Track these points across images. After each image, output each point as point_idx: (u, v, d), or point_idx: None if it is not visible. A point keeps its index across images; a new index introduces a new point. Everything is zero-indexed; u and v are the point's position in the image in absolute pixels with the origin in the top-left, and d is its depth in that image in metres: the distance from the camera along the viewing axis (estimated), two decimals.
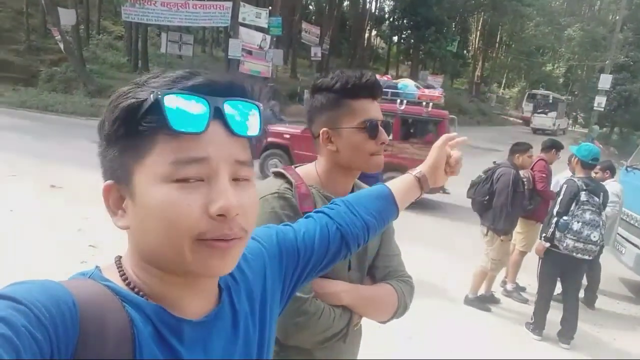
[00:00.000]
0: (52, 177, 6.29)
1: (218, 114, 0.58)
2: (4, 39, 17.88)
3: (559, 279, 4.03)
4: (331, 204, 0.98)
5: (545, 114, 29.33)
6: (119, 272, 0.62)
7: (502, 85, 49.92)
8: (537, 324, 3.96)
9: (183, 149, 0.56)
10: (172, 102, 0.55)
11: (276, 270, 0.81)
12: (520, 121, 33.35)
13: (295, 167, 1.31)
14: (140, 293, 0.60)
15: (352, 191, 1.27)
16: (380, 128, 1.20)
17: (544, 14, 38.55)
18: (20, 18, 19.34)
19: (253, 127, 0.61)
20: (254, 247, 0.79)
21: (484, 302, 4.48)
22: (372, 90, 1.22)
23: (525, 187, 4.43)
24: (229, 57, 17.83)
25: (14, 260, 3.86)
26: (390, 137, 2.68)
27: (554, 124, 29.05)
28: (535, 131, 28.15)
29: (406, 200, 1.06)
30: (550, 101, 30.45)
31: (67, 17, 15.96)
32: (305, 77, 24.67)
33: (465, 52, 39.76)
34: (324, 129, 1.23)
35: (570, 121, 34.29)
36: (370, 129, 1.20)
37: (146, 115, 0.55)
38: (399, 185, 1.06)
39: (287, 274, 0.83)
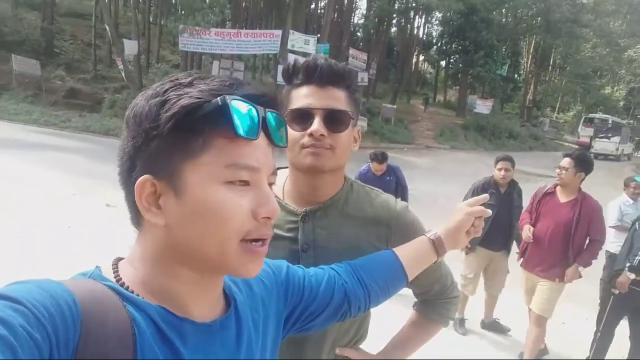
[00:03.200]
0: (109, 197, 6.65)
1: (263, 124, 0.62)
2: (73, 69, 19.41)
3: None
4: (339, 265, 0.98)
5: (608, 138, 27.89)
6: (114, 274, 0.61)
7: (556, 109, 48.00)
8: None
9: (239, 154, 0.59)
10: (239, 107, 0.58)
11: (282, 297, 0.82)
12: (577, 146, 31.81)
13: (278, 168, 1.21)
14: (139, 295, 0.60)
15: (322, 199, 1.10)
16: (316, 117, 1.00)
17: (602, 35, 37.05)
18: (89, 49, 20.98)
19: (285, 139, 0.67)
20: (264, 269, 0.81)
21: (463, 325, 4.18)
22: (311, 75, 1.03)
23: (515, 206, 4.01)
24: (277, 82, 18.38)
25: (70, 274, 4.07)
26: None
27: (617, 149, 27.69)
28: (597, 156, 26.57)
29: (418, 267, 1.02)
30: (610, 125, 28.92)
31: (130, 47, 17.14)
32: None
33: (516, 75, 38.75)
34: None
35: (634, 145, 32.32)
36: (293, 117, 1.02)
37: (208, 116, 0.57)
38: (411, 250, 1.02)
39: (290, 305, 0.85)
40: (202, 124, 0.57)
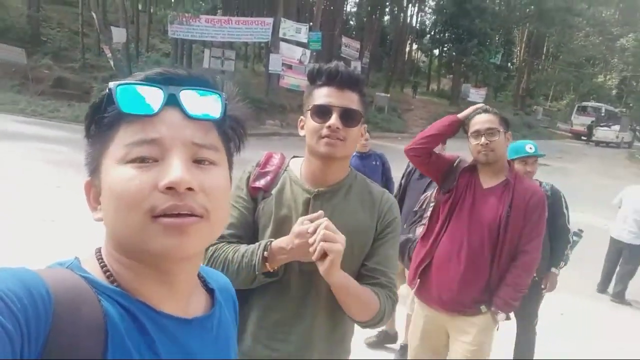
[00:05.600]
0: None
1: (174, 101, 0.61)
2: (61, 58, 19.01)
3: None
4: None
5: (609, 127, 29.02)
6: (100, 263, 0.62)
7: (550, 98, 48.10)
8: None
9: (137, 132, 0.59)
10: (125, 90, 0.58)
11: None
12: (570, 134, 31.99)
13: (294, 156, 1.46)
14: (119, 286, 0.60)
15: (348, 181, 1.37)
16: (334, 114, 1.24)
17: (595, 24, 37.04)
18: (76, 37, 20.54)
19: (213, 111, 0.63)
20: (226, 283, 0.83)
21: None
22: (332, 78, 1.27)
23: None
24: (269, 71, 18.17)
25: None
26: None
27: (617, 137, 28.80)
28: (598, 144, 28.41)
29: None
30: (603, 113, 29.80)
31: (119, 35, 16.81)
32: None
33: (509, 64, 38.71)
34: (301, 117, 1.37)
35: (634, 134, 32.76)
36: (315, 112, 1.27)
37: (107, 107, 0.59)
38: None
39: None
40: (107, 116, 0.60)
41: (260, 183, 1.35)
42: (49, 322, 0.50)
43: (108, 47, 16.26)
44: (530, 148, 3.02)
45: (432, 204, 2.48)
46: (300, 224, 1.14)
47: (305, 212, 1.30)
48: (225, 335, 0.72)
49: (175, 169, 0.57)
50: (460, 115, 2.30)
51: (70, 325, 0.52)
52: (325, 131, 1.25)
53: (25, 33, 19.16)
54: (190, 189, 0.57)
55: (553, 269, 3.14)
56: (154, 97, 0.59)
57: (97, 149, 0.61)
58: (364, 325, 1.31)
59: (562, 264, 3.19)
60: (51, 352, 0.50)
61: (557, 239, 3.14)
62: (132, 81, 0.60)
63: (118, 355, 0.55)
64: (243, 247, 1.26)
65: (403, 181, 3.49)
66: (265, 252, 1.21)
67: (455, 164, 2.35)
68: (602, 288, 5.55)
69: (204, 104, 0.63)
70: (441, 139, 2.35)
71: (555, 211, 3.11)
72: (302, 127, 1.35)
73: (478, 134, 2.18)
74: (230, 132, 0.69)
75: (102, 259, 0.63)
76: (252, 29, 17.31)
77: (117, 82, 0.59)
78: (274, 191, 1.34)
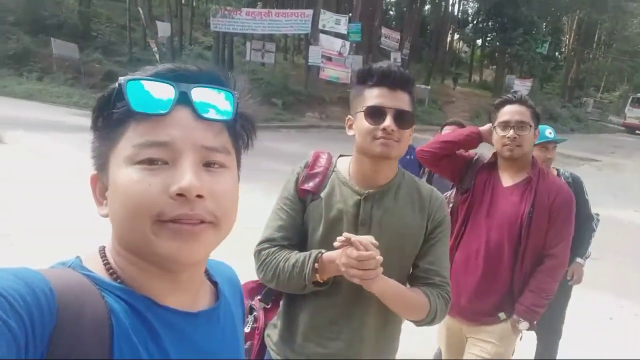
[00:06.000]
0: None
1: (185, 99, 0.59)
2: (110, 52, 19.84)
3: None
4: None
5: None
6: (103, 261, 0.62)
7: (601, 89, 45.67)
8: None
9: (148, 132, 0.57)
10: (135, 86, 0.57)
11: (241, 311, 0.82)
12: (623, 128, 30.29)
13: (341, 155, 1.45)
14: (123, 283, 0.60)
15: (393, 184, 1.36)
16: (388, 115, 1.24)
17: None
18: (124, 32, 21.38)
19: (224, 112, 0.61)
20: (231, 274, 0.83)
21: None
22: (384, 79, 1.26)
23: None
24: (309, 63, 18.25)
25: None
26: None
27: None
28: None
29: None
30: None
31: (163, 29, 17.35)
32: None
33: (557, 53, 37.00)
34: (349, 115, 1.36)
35: None
36: (369, 113, 1.26)
37: (116, 102, 0.58)
38: None
39: None
40: (116, 112, 0.58)
41: (309, 185, 1.34)
42: (53, 320, 0.50)
43: (154, 41, 16.83)
44: (550, 133, 2.85)
45: (451, 205, 2.24)
46: (352, 245, 1.12)
47: (356, 213, 1.32)
48: (231, 327, 0.72)
49: (186, 175, 0.55)
50: (482, 129, 2.15)
51: (75, 323, 0.52)
52: (380, 133, 1.24)
53: (77, 29, 20.09)
54: (199, 195, 0.56)
55: (579, 259, 2.93)
56: (164, 94, 0.58)
57: (105, 145, 0.60)
58: (418, 324, 1.33)
59: (589, 254, 2.99)
60: (56, 350, 0.50)
61: (581, 227, 2.87)
62: (143, 76, 0.58)
63: (124, 351, 0.55)
64: (294, 257, 1.27)
65: (425, 179, 3.22)
66: (316, 264, 1.22)
67: (473, 161, 2.20)
68: None
69: (215, 103, 0.61)
70: (457, 147, 2.19)
71: (579, 199, 2.75)
72: (351, 127, 1.34)
73: (506, 125, 2.00)
74: (241, 131, 0.67)
75: (105, 257, 0.62)
76: (291, 21, 17.40)
77: (127, 77, 0.57)
78: (323, 194, 1.34)
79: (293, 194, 1.36)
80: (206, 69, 0.63)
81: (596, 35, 40.04)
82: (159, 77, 0.59)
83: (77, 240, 4.41)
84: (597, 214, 3.04)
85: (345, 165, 1.39)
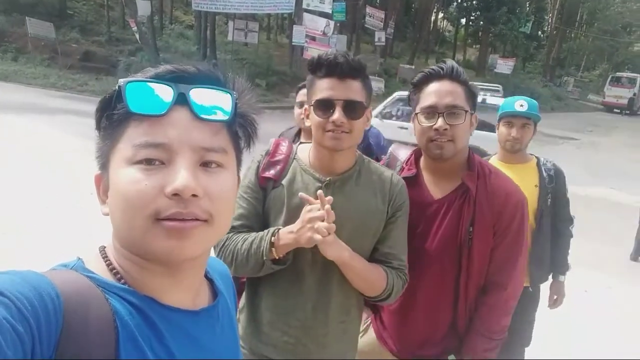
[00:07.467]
0: None
1: (183, 100, 0.60)
2: (87, 31, 19.23)
3: None
4: None
5: None
6: (105, 261, 0.63)
7: (581, 68, 46.17)
8: None
9: (146, 133, 0.58)
10: (134, 88, 0.59)
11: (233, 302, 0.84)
12: (602, 106, 30.80)
13: (301, 143, 1.46)
14: (126, 283, 0.61)
15: (352, 172, 1.35)
16: (337, 107, 1.23)
17: None
18: (102, 11, 20.72)
19: (222, 112, 0.63)
20: (225, 270, 0.85)
21: None
22: (332, 69, 1.24)
23: None
24: (292, 43, 18.01)
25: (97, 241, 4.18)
26: None
27: None
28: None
29: None
30: (638, 84, 28.18)
31: (143, 8, 16.84)
32: (369, 62, 24.29)
33: (540, 33, 37.16)
34: (306, 105, 1.34)
35: None
36: (318, 106, 1.26)
37: (117, 104, 0.60)
38: None
39: None
40: (116, 113, 0.60)
41: (270, 173, 1.34)
42: (60, 324, 0.51)
43: (133, 20, 16.35)
44: (522, 105, 2.18)
45: None
46: (308, 212, 1.18)
47: None
48: (229, 323, 0.75)
49: (181, 176, 0.57)
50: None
51: (81, 327, 0.52)
52: (330, 125, 1.24)
53: (53, 7, 19.37)
54: (195, 195, 0.58)
55: (561, 278, 2.37)
56: (163, 96, 0.59)
57: (107, 145, 0.62)
58: (373, 300, 1.37)
59: (568, 268, 2.43)
60: (63, 353, 0.50)
61: (560, 236, 2.34)
62: (142, 79, 0.60)
63: (130, 352, 0.56)
64: (252, 235, 1.28)
65: None
66: (273, 238, 1.23)
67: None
68: (636, 256, 5.56)
69: (214, 103, 0.62)
70: None
71: (559, 200, 2.30)
72: (308, 117, 1.32)
73: (432, 111, 1.45)
74: (241, 130, 0.69)
75: (107, 257, 0.63)
76: (275, 0, 17.09)
77: (127, 80, 0.59)
78: (284, 181, 1.33)
79: (254, 182, 1.36)
80: (205, 69, 0.64)
81: (578, 14, 40.26)
82: (159, 78, 0.60)
83: (50, 221, 4.36)
84: (574, 216, 2.45)
85: (305, 153, 1.38)
